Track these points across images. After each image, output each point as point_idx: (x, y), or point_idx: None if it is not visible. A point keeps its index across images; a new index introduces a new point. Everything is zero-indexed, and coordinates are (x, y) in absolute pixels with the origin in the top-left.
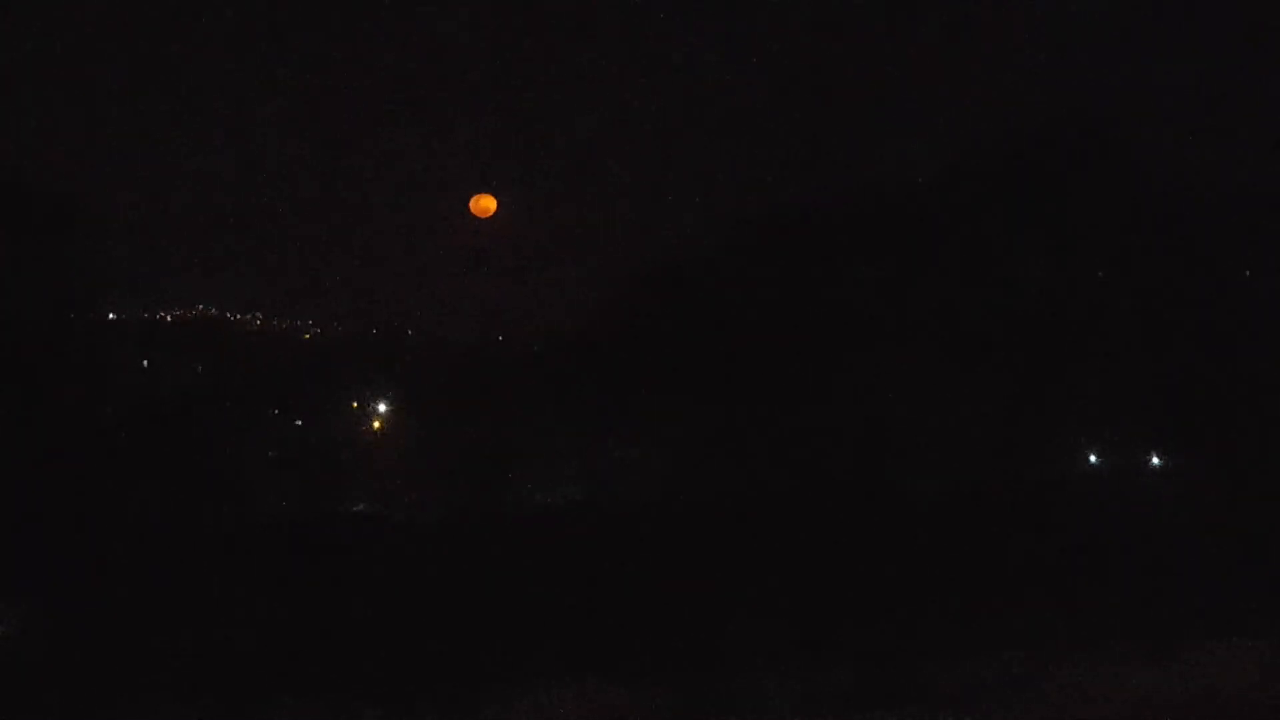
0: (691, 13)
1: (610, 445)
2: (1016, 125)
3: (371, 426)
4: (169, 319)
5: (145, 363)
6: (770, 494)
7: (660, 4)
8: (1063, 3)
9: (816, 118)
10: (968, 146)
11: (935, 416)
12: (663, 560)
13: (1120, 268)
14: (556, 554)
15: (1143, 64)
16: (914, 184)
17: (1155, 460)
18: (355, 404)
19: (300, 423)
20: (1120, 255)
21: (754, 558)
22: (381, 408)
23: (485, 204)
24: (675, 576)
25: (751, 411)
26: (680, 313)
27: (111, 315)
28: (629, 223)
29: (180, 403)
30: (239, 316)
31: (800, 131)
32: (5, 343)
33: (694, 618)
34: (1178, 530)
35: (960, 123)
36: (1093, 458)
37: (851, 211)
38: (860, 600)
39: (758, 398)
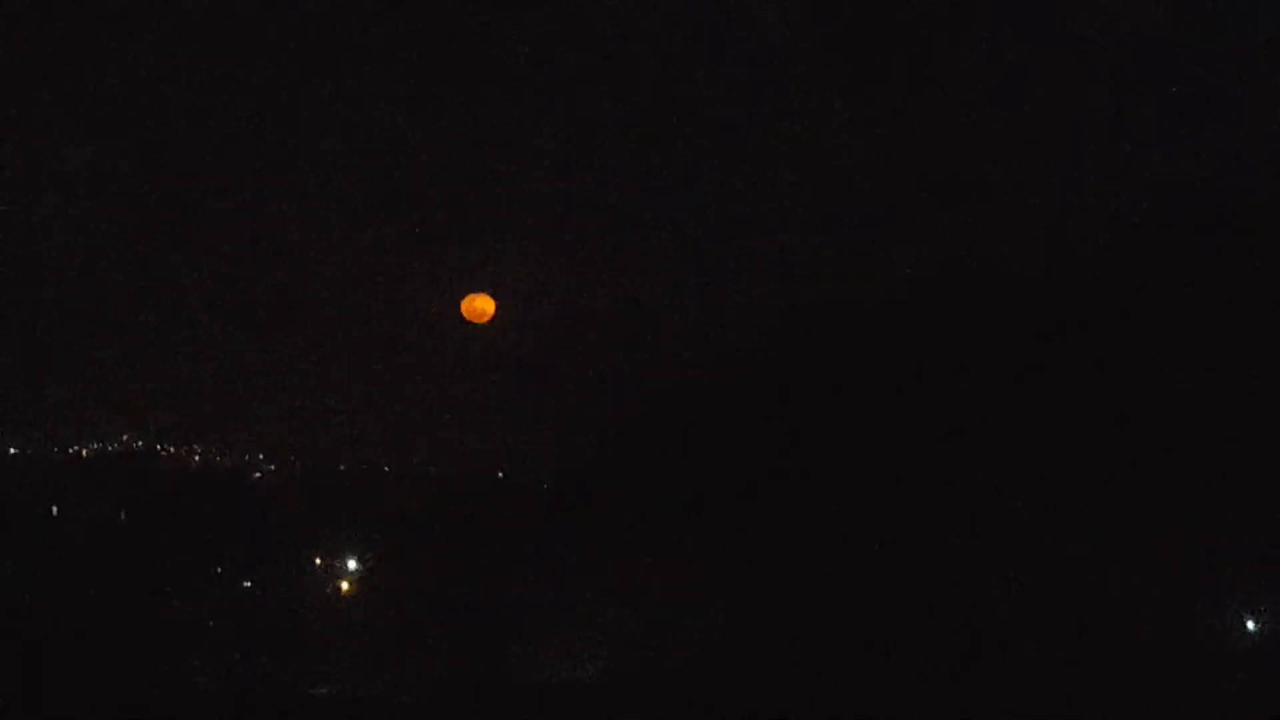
0: (736, 78)
1: (639, 604)
2: (1145, 194)
3: (339, 587)
4: (85, 454)
5: (55, 509)
6: (837, 661)
7: (692, 66)
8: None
9: (880, 190)
10: (1081, 221)
11: (1043, 563)
12: None
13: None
14: None
15: None
16: (1012, 268)
17: None
18: (319, 559)
19: (249, 584)
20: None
21: None
22: (351, 564)
23: (481, 306)
24: None
25: (813, 558)
26: (725, 438)
27: (13, 449)
28: (658, 325)
29: (99, 557)
30: (172, 450)
31: (862, 211)
32: None
33: None
34: None
35: (1071, 192)
36: (1250, 623)
37: (934, 303)
38: None
39: (820, 539)
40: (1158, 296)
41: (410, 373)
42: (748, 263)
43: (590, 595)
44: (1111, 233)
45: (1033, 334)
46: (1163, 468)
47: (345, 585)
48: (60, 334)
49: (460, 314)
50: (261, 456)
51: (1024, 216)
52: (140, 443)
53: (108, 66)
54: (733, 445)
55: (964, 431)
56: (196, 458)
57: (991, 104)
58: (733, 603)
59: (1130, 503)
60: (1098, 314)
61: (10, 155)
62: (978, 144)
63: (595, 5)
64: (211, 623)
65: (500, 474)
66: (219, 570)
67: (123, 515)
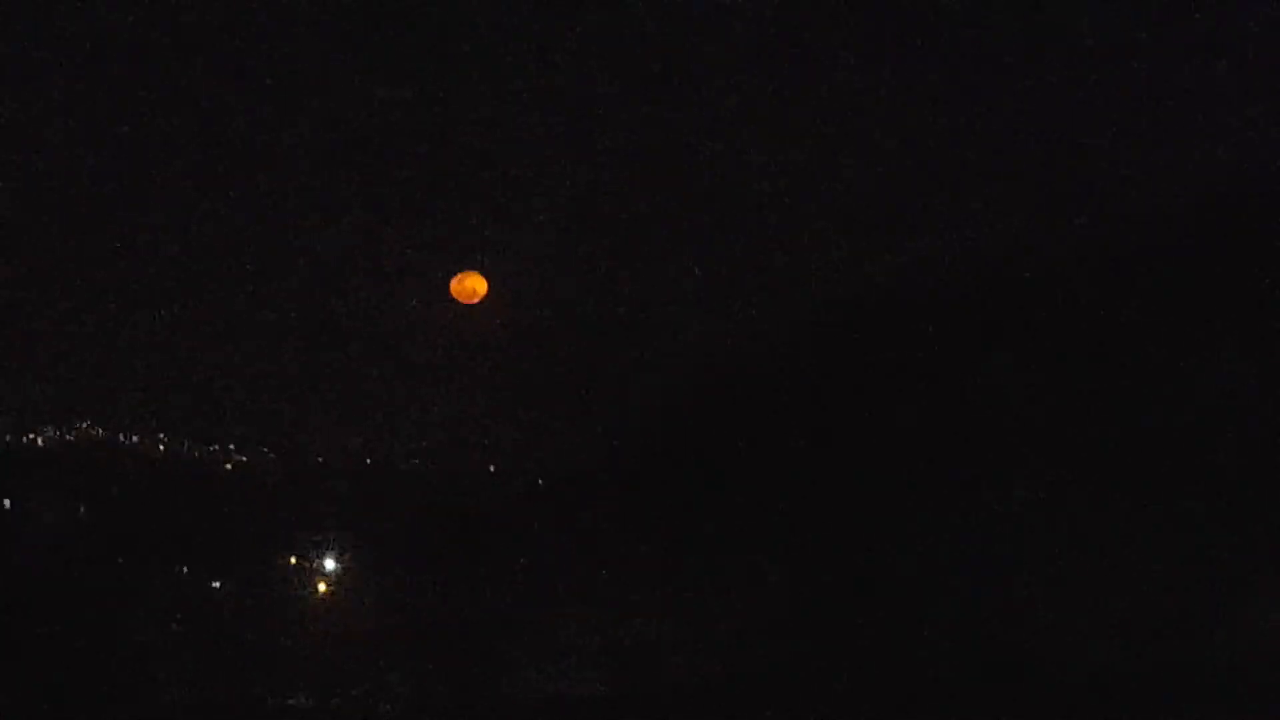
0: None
1: (645, 613)
2: (1207, 177)
3: (317, 589)
4: (40, 443)
5: (7, 502)
6: (854, 679)
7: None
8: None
9: (902, 173)
10: (1134, 203)
11: (1089, 584)
12: None
13: None
14: None
15: None
16: (1054, 255)
17: None
18: (295, 559)
19: (218, 584)
20: None
21: None
22: (330, 564)
23: (472, 285)
24: None
25: (830, 569)
26: (735, 435)
27: None
28: (666, 310)
29: (56, 555)
30: (135, 439)
31: (882, 195)
32: None
33: None
34: None
35: (1111, 177)
36: None
37: (970, 292)
38: None
39: (838, 548)
40: (1211, 287)
41: (394, 357)
42: (763, 247)
43: (591, 602)
44: (1153, 221)
45: (1064, 327)
46: (1214, 471)
47: (323, 587)
48: (10, 311)
49: (449, 294)
50: (233, 447)
51: (1055, 204)
52: (101, 431)
53: (68, 47)
54: (746, 444)
55: (991, 432)
56: (162, 447)
57: (1022, 81)
58: (743, 614)
59: (1177, 508)
60: (1142, 305)
61: None
62: (1005, 124)
63: None
64: (179, 627)
65: (492, 468)
66: (186, 570)
67: (82, 510)
